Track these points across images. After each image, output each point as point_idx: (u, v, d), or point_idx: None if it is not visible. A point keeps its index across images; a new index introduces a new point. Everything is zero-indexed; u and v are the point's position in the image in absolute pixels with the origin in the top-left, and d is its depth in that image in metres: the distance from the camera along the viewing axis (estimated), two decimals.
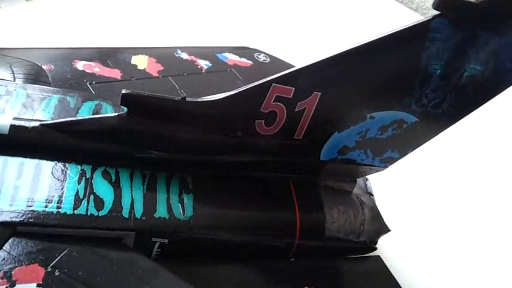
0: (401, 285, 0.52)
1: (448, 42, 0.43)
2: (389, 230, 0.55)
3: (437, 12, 0.42)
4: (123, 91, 0.42)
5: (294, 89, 0.44)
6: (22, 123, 0.43)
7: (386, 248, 0.56)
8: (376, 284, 0.53)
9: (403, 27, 0.43)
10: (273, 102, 0.45)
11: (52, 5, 0.92)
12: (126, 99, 0.42)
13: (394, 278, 0.53)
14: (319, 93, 0.45)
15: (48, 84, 0.53)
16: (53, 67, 0.56)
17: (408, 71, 0.45)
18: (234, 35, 0.95)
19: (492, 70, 0.45)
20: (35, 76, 0.53)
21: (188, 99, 0.44)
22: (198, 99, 0.45)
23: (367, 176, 0.59)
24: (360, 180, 0.56)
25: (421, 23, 0.43)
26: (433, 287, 0.61)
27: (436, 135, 0.50)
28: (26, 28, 0.85)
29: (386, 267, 0.54)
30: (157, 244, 0.44)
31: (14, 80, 0.51)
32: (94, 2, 0.97)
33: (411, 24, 0.43)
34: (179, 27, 0.96)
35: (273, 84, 0.44)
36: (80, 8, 0.94)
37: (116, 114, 0.44)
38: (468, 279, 0.64)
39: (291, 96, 0.45)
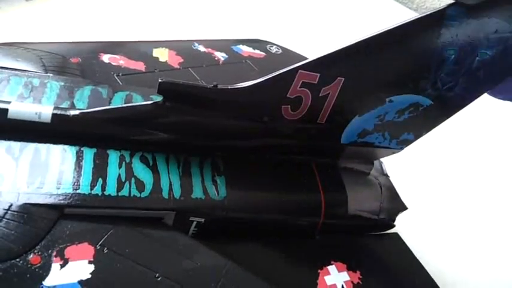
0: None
1: (461, 28, 0.47)
2: (407, 208, 0.57)
3: (453, 1, 0.45)
4: (160, 79, 0.45)
5: (319, 75, 0.47)
6: (63, 112, 0.46)
7: (403, 225, 0.59)
8: (396, 258, 0.56)
9: (421, 15, 0.46)
10: (299, 88, 0.47)
11: (53, 5, 0.93)
12: (162, 87, 0.45)
13: (412, 253, 0.56)
14: (343, 79, 0.47)
15: (78, 76, 0.55)
16: (80, 60, 0.58)
17: (425, 57, 0.48)
18: (241, 28, 0.97)
19: (501, 55, 0.48)
20: (65, 69, 0.55)
21: (220, 86, 0.46)
22: (229, 87, 0.47)
23: (381, 159, 0.62)
24: (376, 162, 0.59)
25: (438, 11, 0.46)
26: (447, 261, 0.64)
27: (449, 117, 0.53)
28: (26, 29, 0.86)
29: (404, 243, 0.57)
30: (194, 223, 0.46)
31: (47, 73, 0.53)
32: (95, 2, 0.98)
33: (428, 13, 0.46)
34: (184, 22, 0.98)
35: (300, 70, 0.46)
36: (81, 8, 0.95)
37: (152, 102, 0.47)
38: (485, 254, 0.67)
39: (316, 82, 0.47)
